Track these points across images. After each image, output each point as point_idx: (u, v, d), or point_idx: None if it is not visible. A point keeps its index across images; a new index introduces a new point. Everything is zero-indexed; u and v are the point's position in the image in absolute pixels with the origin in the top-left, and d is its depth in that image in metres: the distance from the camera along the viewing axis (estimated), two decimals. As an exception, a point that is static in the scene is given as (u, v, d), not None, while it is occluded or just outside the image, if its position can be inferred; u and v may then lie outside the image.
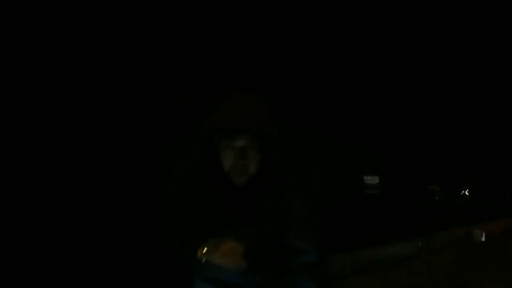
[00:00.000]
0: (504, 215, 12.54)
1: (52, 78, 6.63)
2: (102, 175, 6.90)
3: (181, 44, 8.13)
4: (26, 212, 5.92)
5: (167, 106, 7.52)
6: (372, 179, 21.74)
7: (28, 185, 6.17)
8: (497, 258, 6.48)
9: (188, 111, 6.66)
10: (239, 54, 8.93)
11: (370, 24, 13.66)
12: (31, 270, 4.28)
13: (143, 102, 7.53)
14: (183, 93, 7.48)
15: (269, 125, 1.21)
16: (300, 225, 1.28)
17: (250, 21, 9.29)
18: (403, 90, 16.94)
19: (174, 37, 7.97)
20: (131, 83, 7.40)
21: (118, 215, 6.23)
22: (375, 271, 5.37)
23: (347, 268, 5.05)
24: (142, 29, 7.54)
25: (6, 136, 6.00)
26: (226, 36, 8.69)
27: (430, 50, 16.16)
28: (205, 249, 1.16)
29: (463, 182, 24.74)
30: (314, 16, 11.80)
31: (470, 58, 16.39)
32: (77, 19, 6.69)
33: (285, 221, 1.28)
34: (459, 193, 24.61)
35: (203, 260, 1.16)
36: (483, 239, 8.29)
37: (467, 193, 24.76)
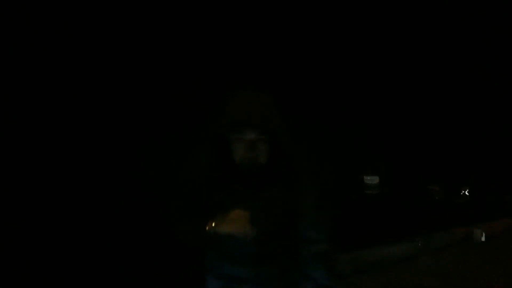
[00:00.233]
0: (504, 215, 12.52)
1: (67, 78, 6.69)
2: (115, 172, 6.95)
3: (194, 44, 8.23)
4: (30, 207, 5.93)
5: (182, 102, 7.66)
6: (372, 179, 21.74)
7: (43, 178, 6.22)
8: (497, 258, 6.47)
9: (202, 107, 6.81)
10: (249, 55, 9.05)
11: (372, 25, 13.66)
12: (31, 270, 4.28)
13: (157, 99, 7.67)
14: (196, 91, 7.65)
15: (277, 120, 1.31)
16: (312, 214, 1.34)
17: (262, 24, 9.41)
18: (403, 90, 16.95)
19: (186, 38, 8.10)
20: (151, 83, 7.56)
21: (123, 214, 6.26)
22: (375, 271, 5.36)
23: (347, 268, 5.04)
24: (158, 30, 7.65)
25: (16, 137, 6.03)
26: (236, 36, 8.80)
27: (429, 51, 16.15)
28: (214, 222, 1.23)
29: (463, 182, 24.73)
30: (320, 19, 11.83)
31: (470, 58, 16.38)
32: (85, 20, 6.72)
33: (296, 209, 1.34)
34: (459, 193, 24.61)
35: (212, 232, 1.22)
36: (483, 239, 8.28)
37: (467, 193, 24.75)
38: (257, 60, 9.35)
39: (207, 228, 1.24)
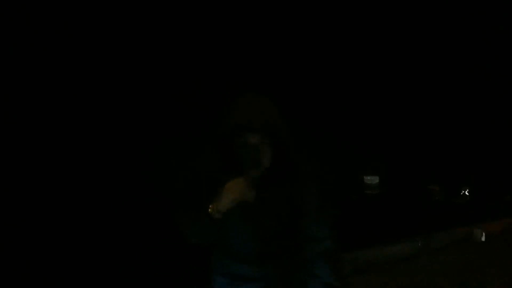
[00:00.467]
0: (504, 215, 12.52)
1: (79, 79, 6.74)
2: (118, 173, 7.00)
3: (196, 49, 8.30)
4: (30, 207, 5.94)
5: (187, 106, 7.75)
6: (372, 179, 21.71)
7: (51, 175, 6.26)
8: (497, 258, 6.48)
9: (206, 109, 6.90)
10: (253, 59, 9.15)
11: (371, 26, 13.68)
12: (31, 270, 4.28)
13: (161, 102, 7.75)
14: (202, 94, 7.74)
15: (279, 123, 1.37)
16: (315, 212, 1.38)
17: (264, 29, 9.51)
18: (403, 90, 16.94)
19: (193, 42, 8.20)
20: (157, 85, 7.65)
21: (128, 215, 6.28)
22: (375, 271, 5.37)
23: (347, 268, 5.05)
24: (164, 32, 7.73)
25: (19, 137, 6.04)
26: (241, 41, 8.90)
27: (429, 51, 16.16)
28: (214, 202, 1.27)
29: (463, 182, 24.69)
30: (321, 22, 11.88)
31: (470, 58, 16.39)
32: (88, 20, 6.73)
33: (300, 208, 1.38)
34: (459, 193, 24.57)
35: (216, 215, 1.27)
36: (483, 239, 8.29)
37: (467, 193, 24.72)
38: (260, 63, 9.42)
39: (209, 210, 1.26)
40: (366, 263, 5.51)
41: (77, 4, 6.68)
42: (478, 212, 14.68)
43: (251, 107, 1.33)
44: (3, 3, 5.73)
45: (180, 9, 7.97)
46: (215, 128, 1.39)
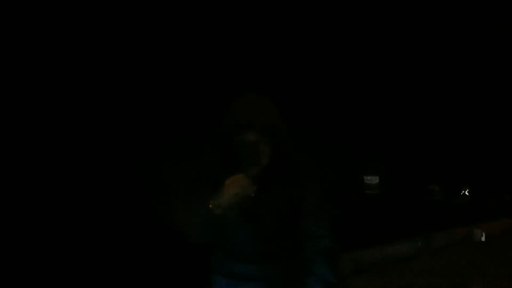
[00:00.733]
0: (504, 215, 12.52)
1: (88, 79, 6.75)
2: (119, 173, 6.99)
3: (196, 50, 8.31)
4: (30, 207, 5.94)
5: (188, 105, 7.75)
6: (372, 179, 21.74)
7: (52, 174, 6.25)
8: (497, 258, 6.47)
9: (206, 109, 6.92)
10: (253, 60, 9.17)
11: (371, 27, 13.67)
12: (31, 270, 4.28)
13: (162, 102, 7.75)
14: (202, 94, 7.75)
15: (279, 123, 1.38)
16: (315, 211, 1.39)
17: (265, 29, 9.52)
18: (403, 90, 16.95)
19: (194, 43, 8.21)
20: (158, 85, 7.66)
21: (128, 215, 6.28)
22: (375, 271, 5.37)
23: (347, 268, 5.05)
24: (166, 32, 7.74)
25: (23, 137, 6.05)
26: (241, 42, 8.91)
27: (429, 51, 16.15)
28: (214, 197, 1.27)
29: (463, 182, 24.72)
30: (321, 23, 11.87)
31: (470, 58, 16.38)
32: (91, 22, 6.74)
33: (300, 206, 1.39)
34: (459, 193, 24.60)
35: (217, 210, 1.26)
36: (483, 239, 8.28)
37: (467, 193, 24.74)
38: (260, 63, 9.44)
39: (210, 206, 1.26)
40: (366, 263, 5.51)
41: (77, 5, 6.69)
42: (478, 212, 14.70)
43: (251, 107, 1.35)
44: (3, 3, 5.72)
45: (180, 10, 7.98)
46: (216, 127, 1.40)
